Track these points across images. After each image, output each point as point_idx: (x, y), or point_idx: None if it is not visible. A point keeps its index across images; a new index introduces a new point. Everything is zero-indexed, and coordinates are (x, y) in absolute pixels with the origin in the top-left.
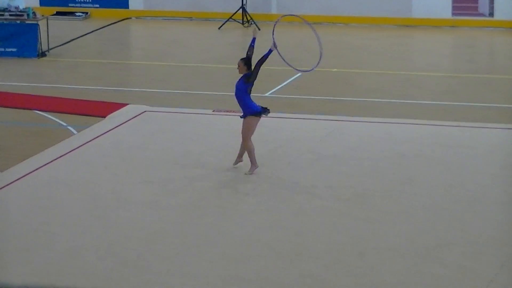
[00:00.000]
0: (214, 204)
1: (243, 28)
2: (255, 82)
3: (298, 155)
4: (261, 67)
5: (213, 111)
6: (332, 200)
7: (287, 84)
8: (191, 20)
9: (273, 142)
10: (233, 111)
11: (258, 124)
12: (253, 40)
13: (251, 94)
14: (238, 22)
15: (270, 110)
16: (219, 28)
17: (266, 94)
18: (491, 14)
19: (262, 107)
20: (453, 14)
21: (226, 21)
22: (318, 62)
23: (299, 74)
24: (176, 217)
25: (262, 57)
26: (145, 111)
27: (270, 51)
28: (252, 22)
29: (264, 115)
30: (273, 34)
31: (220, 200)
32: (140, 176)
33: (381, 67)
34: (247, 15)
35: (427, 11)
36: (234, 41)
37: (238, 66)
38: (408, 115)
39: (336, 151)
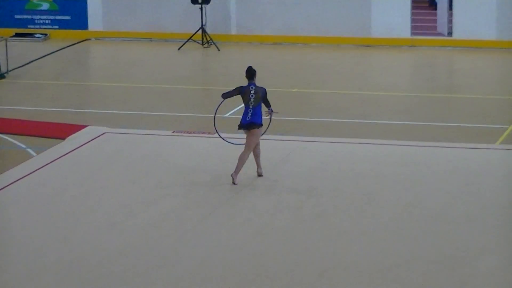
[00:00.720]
0: (174, 226)
1: (203, 49)
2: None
3: (257, 176)
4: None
5: (172, 132)
6: (292, 220)
7: None
8: (150, 41)
9: (233, 162)
10: (193, 132)
11: (216, 145)
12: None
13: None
14: (198, 42)
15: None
16: (178, 49)
17: (226, 115)
18: (450, 33)
19: (244, 122)
20: (412, 33)
21: (185, 42)
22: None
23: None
24: (136, 238)
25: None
26: (105, 133)
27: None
28: (212, 43)
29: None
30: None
31: (180, 222)
32: (99, 198)
33: (340, 86)
34: (207, 36)
35: (386, 30)
36: (194, 62)
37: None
38: (368, 135)
39: (297, 171)
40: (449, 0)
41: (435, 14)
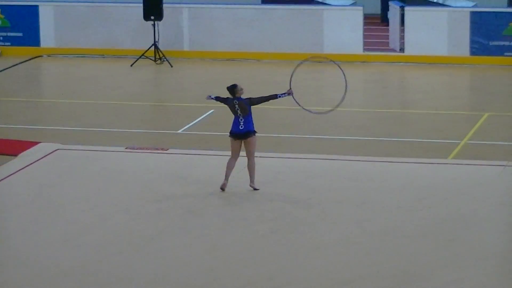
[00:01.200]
0: (128, 242)
1: (155, 65)
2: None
3: (212, 192)
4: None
5: (126, 148)
6: (245, 235)
7: (200, 120)
8: (103, 57)
9: (187, 178)
10: (147, 148)
11: (169, 162)
12: (283, 94)
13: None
14: (151, 59)
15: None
16: (131, 65)
17: (179, 131)
18: (402, 49)
19: (237, 130)
20: (364, 49)
21: (138, 58)
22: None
23: (212, 110)
24: (89, 255)
25: (272, 96)
26: (58, 149)
27: (284, 94)
28: (165, 59)
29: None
30: (290, 83)
31: (135, 238)
32: (52, 215)
33: (293, 102)
34: (160, 52)
35: (338, 46)
36: (146, 78)
37: (241, 89)
38: (321, 150)
39: (248, 187)
40: (400, 16)
41: (387, 30)
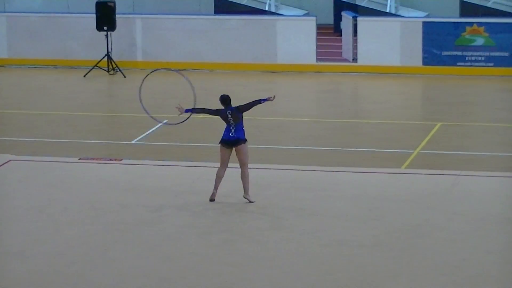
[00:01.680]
0: (81, 253)
1: (109, 76)
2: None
3: (164, 202)
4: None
5: (79, 159)
6: (199, 245)
7: (154, 131)
8: (56, 68)
9: (141, 189)
10: (100, 159)
11: (122, 172)
12: (265, 100)
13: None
14: (104, 69)
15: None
16: (84, 76)
17: (133, 142)
18: (355, 59)
19: (228, 138)
20: (317, 59)
21: (91, 69)
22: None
23: (165, 121)
24: (43, 266)
25: (256, 101)
26: (10, 160)
27: (265, 100)
28: (118, 70)
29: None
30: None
31: (88, 248)
32: (5, 225)
33: (247, 113)
34: (113, 63)
35: (292, 57)
36: (100, 89)
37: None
38: (274, 160)
39: (202, 198)
40: (353, 27)
41: (340, 41)
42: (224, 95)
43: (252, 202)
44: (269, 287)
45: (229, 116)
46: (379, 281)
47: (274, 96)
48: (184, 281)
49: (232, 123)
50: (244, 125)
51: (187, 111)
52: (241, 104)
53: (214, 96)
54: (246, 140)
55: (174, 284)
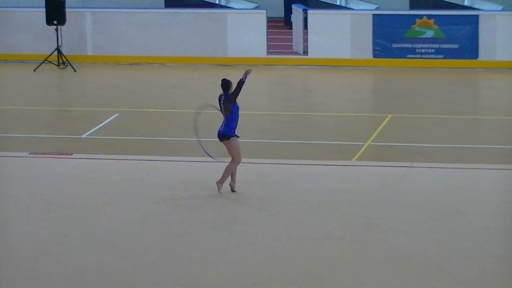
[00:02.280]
0: (34, 247)
1: (59, 70)
2: None
3: (116, 196)
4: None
5: (30, 153)
6: (155, 239)
7: (104, 124)
8: (5, 62)
9: (90, 183)
10: (51, 153)
11: (74, 167)
12: (245, 77)
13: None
14: (54, 64)
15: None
16: (34, 70)
17: (83, 136)
18: (305, 52)
19: (218, 132)
20: (268, 52)
21: (41, 63)
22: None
23: (116, 114)
24: None
25: (239, 83)
26: None
27: (245, 76)
28: (68, 64)
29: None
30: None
31: (40, 243)
32: None
33: (197, 106)
34: (63, 57)
35: (242, 50)
36: (50, 83)
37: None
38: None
39: (155, 192)
40: (304, 20)
41: (291, 33)
42: (223, 79)
43: (220, 193)
44: (222, 280)
45: (222, 104)
46: (329, 273)
47: (250, 70)
48: (140, 275)
49: (224, 113)
50: (238, 117)
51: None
52: (231, 93)
53: (163, 90)
54: (231, 137)
55: (127, 278)
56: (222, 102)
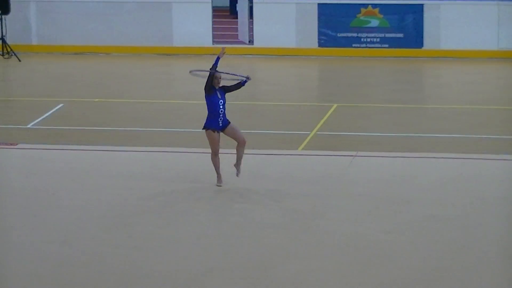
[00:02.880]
0: None
1: (3, 60)
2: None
3: (61, 186)
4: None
5: None
6: (99, 228)
7: (50, 114)
8: None
9: (36, 173)
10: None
11: (18, 157)
12: (218, 59)
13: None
14: None
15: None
16: None
17: (28, 126)
18: (251, 41)
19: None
20: (214, 42)
21: None
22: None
23: (61, 104)
24: None
25: (239, 83)
26: None
27: (245, 81)
28: (12, 54)
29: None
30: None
31: None
32: None
33: (143, 96)
34: (7, 47)
35: (188, 40)
36: None
37: (220, 78)
38: (171, 143)
39: (101, 182)
40: (249, 9)
41: (236, 23)
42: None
43: (219, 185)
44: (169, 268)
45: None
46: (276, 261)
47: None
48: (85, 266)
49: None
50: (213, 111)
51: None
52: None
53: (108, 80)
54: (204, 128)
55: (75, 267)
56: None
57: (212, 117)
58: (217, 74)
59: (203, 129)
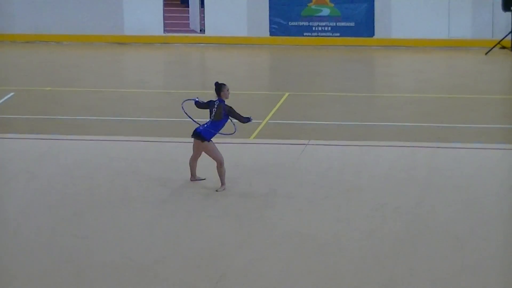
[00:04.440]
0: None
1: None
2: None
3: (12, 176)
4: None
5: None
6: (48, 219)
7: (0, 103)
8: None
9: None
10: None
11: None
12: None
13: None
14: None
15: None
16: None
17: None
18: (202, 30)
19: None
20: (165, 31)
21: None
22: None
23: (12, 93)
24: None
25: (245, 118)
26: None
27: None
28: None
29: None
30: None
31: None
32: None
33: (94, 85)
34: None
35: (139, 28)
36: None
37: (228, 90)
38: (123, 132)
39: (52, 171)
40: None
41: (187, 12)
42: (222, 83)
43: (221, 190)
44: (118, 259)
45: (215, 107)
46: (227, 251)
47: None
48: (32, 255)
49: (212, 117)
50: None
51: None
52: (234, 110)
53: (59, 68)
54: (207, 140)
55: (20, 258)
56: (216, 106)
57: (215, 133)
58: (226, 86)
59: (207, 141)
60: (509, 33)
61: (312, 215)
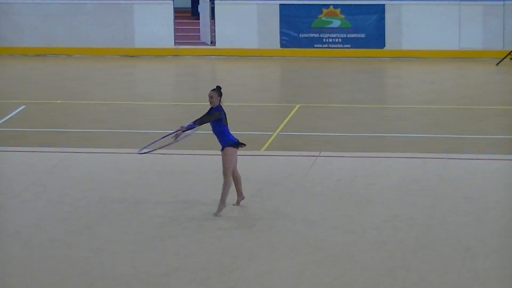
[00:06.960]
0: None
1: None
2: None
3: (23, 188)
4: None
5: None
6: (59, 231)
7: (11, 116)
8: None
9: None
10: None
11: None
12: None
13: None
14: None
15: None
16: None
17: None
18: (213, 42)
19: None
20: (175, 43)
21: None
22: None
23: (23, 106)
24: None
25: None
26: None
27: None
28: None
29: (240, 147)
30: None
31: None
32: None
33: (105, 97)
34: None
35: (149, 41)
36: None
37: (211, 97)
38: (133, 145)
39: (63, 183)
40: (211, 10)
41: (198, 24)
42: (218, 86)
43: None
44: (129, 271)
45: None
46: (239, 263)
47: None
48: (45, 267)
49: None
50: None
51: (188, 127)
52: (211, 112)
53: (70, 81)
54: (224, 147)
55: (32, 270)
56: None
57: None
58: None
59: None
60: None
61: (323, 227)
